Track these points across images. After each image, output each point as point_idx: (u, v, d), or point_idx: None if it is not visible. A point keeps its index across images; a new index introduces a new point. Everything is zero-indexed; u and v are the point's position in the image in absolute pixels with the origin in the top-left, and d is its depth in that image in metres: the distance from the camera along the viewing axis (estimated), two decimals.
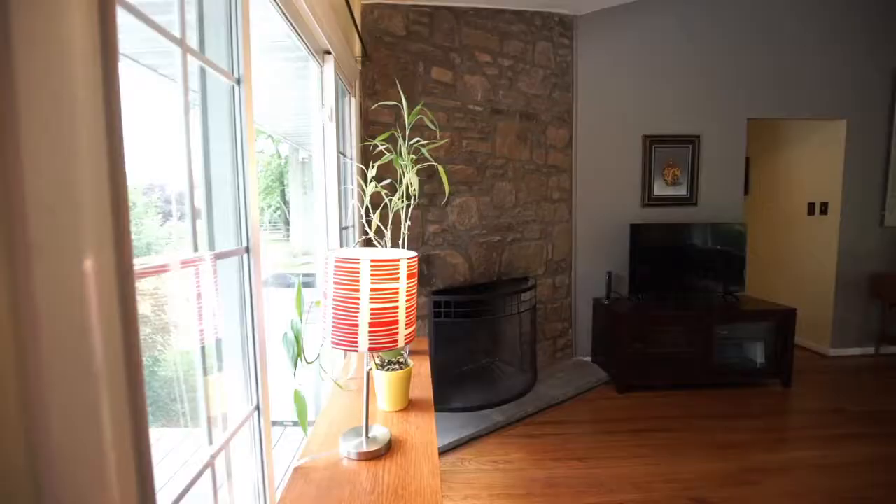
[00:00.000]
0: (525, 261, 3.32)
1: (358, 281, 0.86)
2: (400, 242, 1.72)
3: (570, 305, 3.67)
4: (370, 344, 0.87)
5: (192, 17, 0.86)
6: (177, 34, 0.71)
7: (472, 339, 3.22)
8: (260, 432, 0.92)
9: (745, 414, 2.86)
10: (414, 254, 0.96)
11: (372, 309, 0.86)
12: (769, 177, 4.64)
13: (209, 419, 0.75)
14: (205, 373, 0.77)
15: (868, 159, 3.84)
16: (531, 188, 3.33)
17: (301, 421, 1.11)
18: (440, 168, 1.66)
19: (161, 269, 0.65)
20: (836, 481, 2.13)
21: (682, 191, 3.68)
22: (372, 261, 0.86)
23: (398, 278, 0.89)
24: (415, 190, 1.64)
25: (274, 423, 2.27)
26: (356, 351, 0.88)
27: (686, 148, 3.67)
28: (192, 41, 0.83)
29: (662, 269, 3.45)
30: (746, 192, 4.89)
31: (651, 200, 3.65)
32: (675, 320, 3.29)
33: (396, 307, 0.89)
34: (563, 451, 2.40)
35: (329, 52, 1.80)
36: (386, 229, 1.71)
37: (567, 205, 3.59)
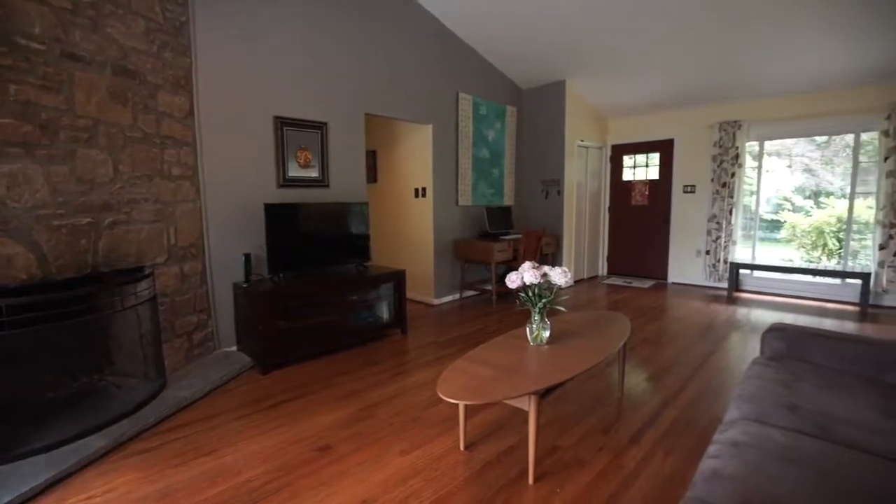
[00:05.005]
0: (137, 247, 2.77)
1: None
2: None
3: (206, 294, 3.33)
4: None
5: None
6: None
7: (57, 354, 2.44)
8: None
9: (373, 362, 3.34)
10: None
11: None
12: (390, 166, 5.58)
13: None
14: None
15: (446, 156, 5.16)
16: (138, 161, 2.79)
17: None
18: None
19: None
20: (427, 393, 2.76)
21: (314, 173, 3.92)
22: None
23: None
24: None
25: None
26: None
27: (316, 133, 3.92)
28: None
29: (300, 247, 3.58)
30: (376, 179, 5.74)
31: (286, 181, 3.73)
32: (315, 294, 3.49)
33: None
34: (188, 453, 2.14)
35: None
36: None
37: (192, 182, 3.20)
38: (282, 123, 3.67)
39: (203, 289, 3.30)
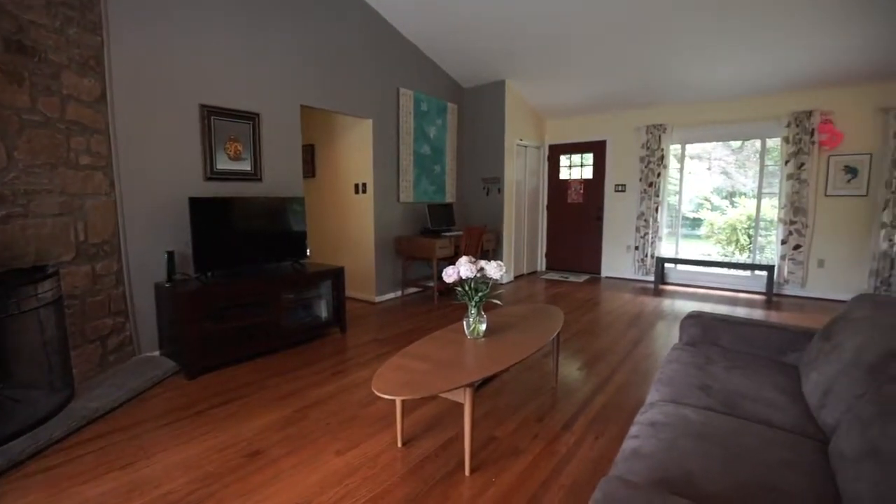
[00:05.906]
0: (37, 243, 2.49)
1: None
2: None
3: (123, 295, 3.06)
4: None
5: None
6: None
7: None
8: None
9: (310, 363, 3.23)
10: None
11: None
12: (329, 161, 5.42)
13: None
14: None
15: (387, 152, 5.10)
16: (39, 148, 2.50)
17: None
18: None
19: None
20: (365, 391, 2.70)
21: (246, 166, 3.72)
22: None
23: None
24: None
25: None
26: None
27: (247, 124, 3.72)
28: None
29: (230, 244, 3.39)
30: (314, 173, 5.56)
31: (215, 174, 3.51)
32: (246, 294, 3.31)
33: None
34: (100, 468, 1.96)
35: None
36: None
37: (105, 173, 2.93)
38: (209, 112, 3.45)
39: (119, 289, 3.03)
